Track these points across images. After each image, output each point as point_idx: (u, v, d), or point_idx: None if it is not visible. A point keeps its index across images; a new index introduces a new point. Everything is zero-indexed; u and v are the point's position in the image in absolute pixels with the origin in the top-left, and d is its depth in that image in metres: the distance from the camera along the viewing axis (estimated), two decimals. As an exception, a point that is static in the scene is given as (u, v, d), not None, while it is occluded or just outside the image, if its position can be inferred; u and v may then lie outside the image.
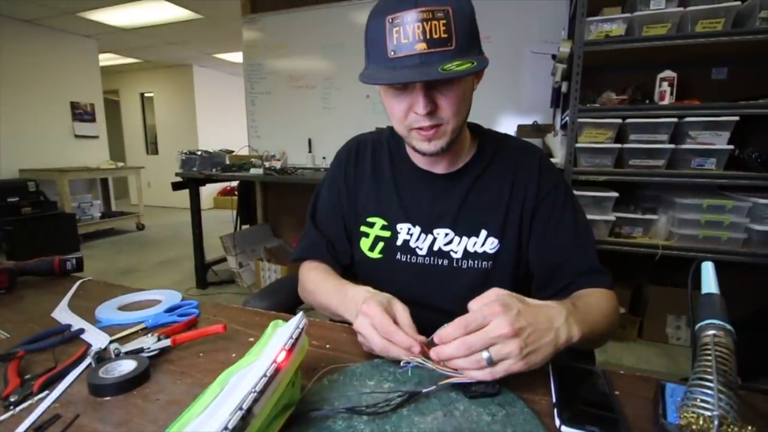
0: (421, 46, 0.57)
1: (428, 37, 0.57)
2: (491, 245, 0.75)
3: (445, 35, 0.57)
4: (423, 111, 0.62)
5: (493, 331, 0.47)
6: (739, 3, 1.63)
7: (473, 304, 0.51)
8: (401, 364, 0.50)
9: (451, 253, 0.76)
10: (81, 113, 4.93)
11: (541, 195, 0.75)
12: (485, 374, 0.47)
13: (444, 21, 0.57)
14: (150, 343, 0.58)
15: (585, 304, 0.61)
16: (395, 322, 0.54)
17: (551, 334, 0.50)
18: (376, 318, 0.53)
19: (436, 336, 0.50)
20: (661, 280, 2.16)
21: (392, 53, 0.59)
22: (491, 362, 0.46)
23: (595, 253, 0.73)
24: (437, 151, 0.67)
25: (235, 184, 4.19)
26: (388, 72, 0.60)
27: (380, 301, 0.56)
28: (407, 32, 0.57)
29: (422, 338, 0.52)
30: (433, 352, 0.49)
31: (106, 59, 5.76)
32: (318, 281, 0.76)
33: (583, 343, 0.55)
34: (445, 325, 0.50)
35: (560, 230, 0.74)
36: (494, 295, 0.51)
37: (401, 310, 0.56)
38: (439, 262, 0.76)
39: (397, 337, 0.52)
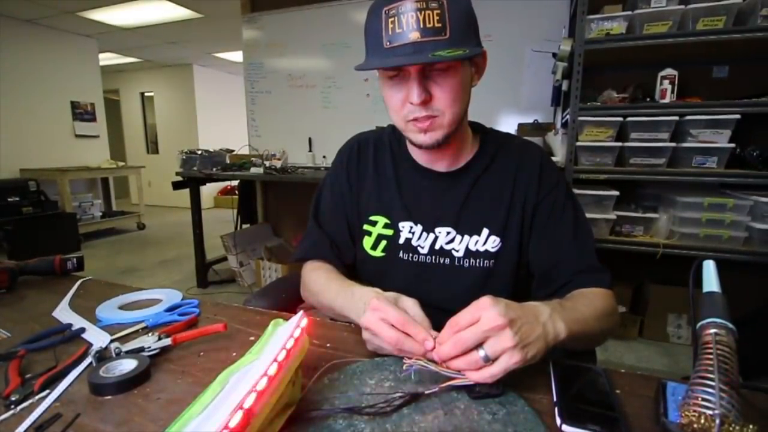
0: (414, 35, 0.58)
1: (422, 26, 0.58)
2: (493, 244, 0.75)
3: (439, 25, 0.58)
4: (417, 100, 0.62)
5: (485, 324, 0.46)
6: (740, 1, 1.62)
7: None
8: (404, 368, 0.50)
9: (453, 251, 0.76)
10: (81, 113, 4.93)
11: (542, 194, 0.75)
12: (484, 376, 0.46)
13: (438, 11, 0.58)
14: (150, 342, 0.58)
15: (574, 303, 0.61)
16: None
17: (540, 328, 0.50)
18: (389, 312, 0.53)
19: (436, 340, 0.50)
20: (662, 279, 2.16)
21: (388, 43, 0.60)
22: (488, 360, 0.46)
23: (594, 252, 0.73)
24: (433, 143, 0.67)
25: (235, 183, 4.18)
26: (381, 60, 0.62)
27: (388, 297, 0.57)
28: (402, 22, 0.59)
29: (436, 333, 0.52)
30: (435, 354, 0.49)
31: (106, 59, 5.76)
32: (322, 282, 0.76)
33: (575, 342, 0.55)
34: None
35: (559, 229, 0.74)
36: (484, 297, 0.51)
37: (411, 305, 0.56)
38: (441, 261, 0.76)
39: (413, 329, 0.51)
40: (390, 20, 0.59)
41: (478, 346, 0.47)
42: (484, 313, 0.47)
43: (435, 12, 0.58)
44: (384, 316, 0.53)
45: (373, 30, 0.63)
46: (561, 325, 0.52)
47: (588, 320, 0.59)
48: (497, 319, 0.46)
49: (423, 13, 0.58)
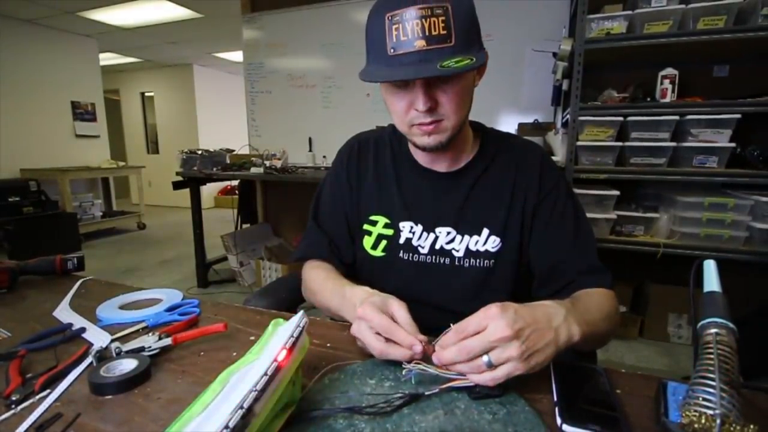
0: (420, 43, 0.57)
1: (427, 34, 0.57)
2: (493, 244, 0.75)
3: (444, 32, 0.57)
4: (423, 108, 0.62)
5: (492, 335, 0.46)
6: (740, 0, 1.62)
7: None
8: (404, 372, 0.50)
9: (453, 251, 0.76)
10: (82, 113, 4.93)
11: (542, 194, 0.75)
12: (486, 379, 0.46)
13: (443, 18, 0.57)
14: (151, 342, 0.58)
15: (585, 304, 0.61)
16: (394, 321, 0.53)
17: (551, 334, 0.49)
18: (374, 320, 0.53)
19: (438, 343, 0.50)
20: (663, 279, 2.16)
21: (392, 51, 0.59)
22: (491, 365, 0.46)
23: (596, 253, 0.73)
24: (437, 145, 0.67)
25: (235, 183, 4.19)
26: (387, 69, 0.61)
27: (374, 302, 0.55)
28: (406, 29, 0.58)
29: (423, 337, 0.51)
30: (435, 358, 0.49)
31: (107, 59, 5.76)
32: (320, 281, 0.76)
33: (584, 343, 0.54)
34: (446, 331, 0.50)
35: (560, 229, 0.74)
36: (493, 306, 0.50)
37: (398, 308, 0.55)
38: (441, 261, 0.76)
39: (399, 335, 0.51)
40: (394, 26, 0.58)
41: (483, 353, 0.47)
42: (492, 323, 0.47)
43: (440, 19, 0.57)
44: (370, 324, 0.53)
45: (375, 35, 0.62)
46: (576, 328, 0.52)
47: (598, 321, 0.59)
48: (504, 330, 0.46)
49: (428, 20, 0.57)
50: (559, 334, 0.50)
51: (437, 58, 0.57)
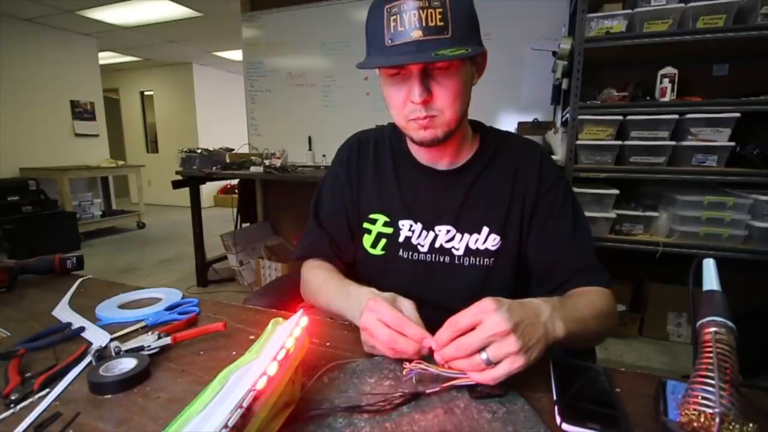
0: (416, 34, 0.58)
1: (424, 24, 0.58)
2: (493, 242, 0.75)
3: (441, 23, 0.58)
4: (418, 99, 0.62)
5: (489, 330, 0.46)
6: (740, -1, 1.62)
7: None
8: (404, 372, 0.50)
9: (453, 250, 0.76)
10: (81, 112, 4.92)
11: (541, 192, 0.75)
12: (486, 378, 0.46)
13: (440, 9, 0.58)
14: (150, 341, 0.58)
15: (574, 302, 0.61)
16: None
17: (541, 329, 0.49)
18: (385, 312, 0.53)
19: (433, 341, 0.50)
20: (662, 278, 2.16)
21: (389, 41, 0.60)
22: (489, 363, 0.46)
23: (593, 251, 0.73)
24: (432, 140, 0.67)
25: (235, 182, 4.18)
26: (383, 58, 0.61)
27: (385, 297, 0.56)
28: (404, 20, 0.58)
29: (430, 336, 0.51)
30: (436, 355, 0.49)
31: (106, 57, 5.75)
32: (321, 281, 0.76)
33: (573, 341, 0.55)
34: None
35: (558, 227, 0.74)
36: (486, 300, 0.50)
37: (407, 306, 0.56)
38: (441, 259, 0.76)
39: (410, 329, 0.51)
40: (392, 18, 0.59)
41: (481, 348, 0.47)
42: (488, 317, 0.47)
43: (437, 11, 0.57)
44: (380, 316, 0.53)
45: (374, 27, 0.62)
46: (560, 325, 0.52)
47: (587, 320, 0.59)
48: (502, 324, 0.46)
49: (425, 11, 0.57)
50: (547, 330, 0.50)
51: (433, 48, 0.58)
